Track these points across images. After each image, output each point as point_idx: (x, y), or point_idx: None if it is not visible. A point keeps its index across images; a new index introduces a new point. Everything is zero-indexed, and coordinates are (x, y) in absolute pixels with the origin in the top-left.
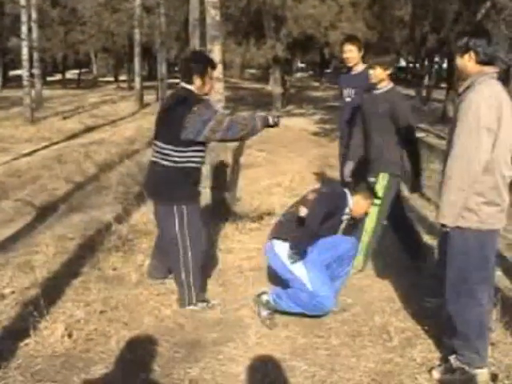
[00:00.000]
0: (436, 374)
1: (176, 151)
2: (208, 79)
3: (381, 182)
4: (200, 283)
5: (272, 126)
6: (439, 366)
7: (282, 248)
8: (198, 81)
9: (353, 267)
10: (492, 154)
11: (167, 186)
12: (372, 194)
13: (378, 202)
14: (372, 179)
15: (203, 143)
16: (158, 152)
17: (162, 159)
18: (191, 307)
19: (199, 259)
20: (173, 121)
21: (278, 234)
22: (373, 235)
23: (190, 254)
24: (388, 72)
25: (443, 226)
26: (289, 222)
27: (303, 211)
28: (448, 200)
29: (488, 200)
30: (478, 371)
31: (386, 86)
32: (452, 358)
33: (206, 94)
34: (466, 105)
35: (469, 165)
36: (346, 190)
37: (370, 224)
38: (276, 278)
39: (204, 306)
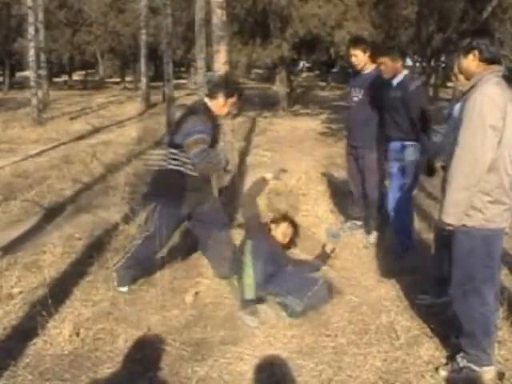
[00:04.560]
0: (443, 373)
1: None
2: (230, 102)
3: None
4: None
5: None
6: (446, 364)
7: None
8: (221, 99)
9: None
10: (497, 153)
11: None
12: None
13: None
14: None
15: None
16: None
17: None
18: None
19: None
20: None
21: None
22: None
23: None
24: None
25: (448, 225)
26: None
27: None
28: (453, 199)
29: (494, 199)
30: (485, 369)
31: None
32: (459, 357)
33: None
34: (470, 104)
35: (474, 164)
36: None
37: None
38: None
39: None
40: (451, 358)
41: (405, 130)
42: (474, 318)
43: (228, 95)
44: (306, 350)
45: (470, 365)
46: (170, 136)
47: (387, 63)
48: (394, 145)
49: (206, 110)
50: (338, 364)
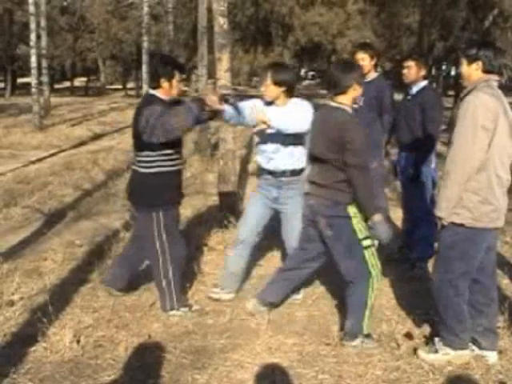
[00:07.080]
0: (421, 354)
1: (146, 156)
2: (176, 83)
3: None
4: (180, 288)
5: (211, 118)
6: (426, 345)
7: None
8: (165, 84)
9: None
10: (487, 154)
11: (144, 192)
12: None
13: None
14: None
15: (172, 146)
16: (135, 160)
17: (138, 166)
18: (173, 312)
19: (179, 264)
20: (138, 128)
21: None
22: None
23: (168, 259)
24: None
25: (440, 218)
26: None
27: None
28: (445, 194)
29: (483, 198)
30: (459, 353)
31: None
32: (436, 340)
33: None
34: (464, 107)
35: (465, 161)
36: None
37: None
38: None
39: (186, 311)
40: (430, 340)
41: (419, 137)
42: (448, 306)
43: (169, 77)
44: (306, 358)
45: (444, 347)
46: (135, 140)
47: (412, 68)
48: (408, 153)
49: (158, 101)
50: (338, 373)
